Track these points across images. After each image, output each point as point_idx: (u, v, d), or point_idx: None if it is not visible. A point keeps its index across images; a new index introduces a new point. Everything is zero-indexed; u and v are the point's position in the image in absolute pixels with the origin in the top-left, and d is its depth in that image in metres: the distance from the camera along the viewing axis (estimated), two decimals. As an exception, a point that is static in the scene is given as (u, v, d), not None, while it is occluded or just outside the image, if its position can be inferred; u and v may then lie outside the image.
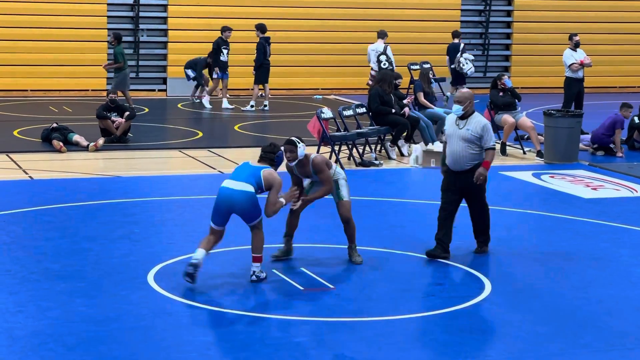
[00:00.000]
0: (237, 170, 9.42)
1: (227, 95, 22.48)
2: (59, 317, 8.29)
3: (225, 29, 22.18)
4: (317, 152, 15.70)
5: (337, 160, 15.67)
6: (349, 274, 9.80)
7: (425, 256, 10.36)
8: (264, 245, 9.40)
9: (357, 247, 10.18)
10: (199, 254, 9.18)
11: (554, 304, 9.05)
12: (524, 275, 10.00)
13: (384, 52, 21.76)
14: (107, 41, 21.06)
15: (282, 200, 9.38)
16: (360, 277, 9.73)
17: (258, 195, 9.30)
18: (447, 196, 10.48)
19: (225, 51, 22.00)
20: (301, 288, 9.24)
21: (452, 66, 23.12)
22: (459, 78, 22.81)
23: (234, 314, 8.48)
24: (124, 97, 20.62)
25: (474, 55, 25.40)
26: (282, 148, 9.69)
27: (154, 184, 14.24)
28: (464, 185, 10.41)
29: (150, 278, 9.40)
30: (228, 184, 9.28)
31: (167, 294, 8.96)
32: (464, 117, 10.36)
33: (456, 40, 23.64)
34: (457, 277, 9.82)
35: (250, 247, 9.40)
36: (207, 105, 22.19)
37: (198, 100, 23.30)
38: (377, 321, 8.40)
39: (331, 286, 9.32)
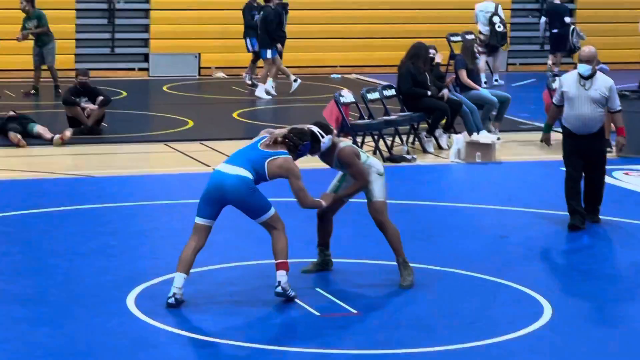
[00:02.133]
0: (236, 153, 9.52)
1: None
2: (17, 350, 8.30)
3: None
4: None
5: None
6: (375, 296, 9.80)
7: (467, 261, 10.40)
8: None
9: (407, 262, 9.97)
10: (178, 281, 9.25)
11: (629, 334, 9.03)
12: (593, 298, 9.98)
13: (496, 13, 22.08)
14: (21, 8, 21.02)
15: (322, 202, 9.59)
16: (388, 300, 9.74)
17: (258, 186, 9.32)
18: (573, 161, 11.88)
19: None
20: (317, 313, 9.25)
21: (554, 30, 23.29)
22: (559, 45, 23.44)
23: (232, 346, 8.50)
24: (52, 76, 21.02)
25: (529, 23, 25.47)
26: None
27: (135, 185, 14.28)
28: (588, 150, 11.80)
29: (130, 302, 9.43)
30: (222, 167, 9.40)
31: (150, 321, 8.99)
32: (589, 77, 11.63)
33: (557, 1, 23.71)
34: (509, 299, 9.81)
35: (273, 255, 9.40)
36: (264, 95, 21.63)
37: (250, 82, 22.71)
38: (411, 354, 8.40)
39: (354, 311, 9.33)
